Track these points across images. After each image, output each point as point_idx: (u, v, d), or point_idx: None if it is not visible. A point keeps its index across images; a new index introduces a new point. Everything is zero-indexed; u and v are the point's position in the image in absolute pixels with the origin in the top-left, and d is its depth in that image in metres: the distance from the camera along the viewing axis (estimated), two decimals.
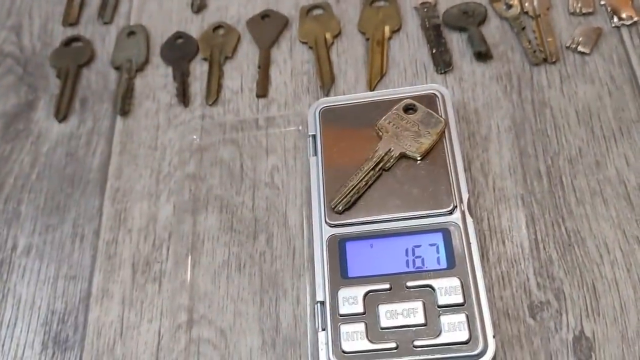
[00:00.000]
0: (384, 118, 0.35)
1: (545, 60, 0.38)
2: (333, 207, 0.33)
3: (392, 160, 0.33)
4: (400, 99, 0.35)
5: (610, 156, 0.35)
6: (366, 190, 0.33)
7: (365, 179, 0.33)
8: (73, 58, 0.44)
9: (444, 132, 0.34)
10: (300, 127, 0.38)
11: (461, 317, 0.29)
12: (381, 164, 0.33)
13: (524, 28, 0.39)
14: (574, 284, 0.31)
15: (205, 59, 0.43)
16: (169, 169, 0.39)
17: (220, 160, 0.38)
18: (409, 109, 0.35)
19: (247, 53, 0.42)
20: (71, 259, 0.37)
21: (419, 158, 0.33)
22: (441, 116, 0.34)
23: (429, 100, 0.36)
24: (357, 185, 0.33)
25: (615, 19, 0.39)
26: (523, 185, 0.35)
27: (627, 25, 0.39)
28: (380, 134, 0.34)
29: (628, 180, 0.34)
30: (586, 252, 0.32)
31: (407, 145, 0.34)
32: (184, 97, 0.41)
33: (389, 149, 0.34)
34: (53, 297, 0.36)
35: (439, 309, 0.30)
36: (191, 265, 0.35)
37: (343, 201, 0.33)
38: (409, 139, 0.34)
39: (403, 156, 0.34)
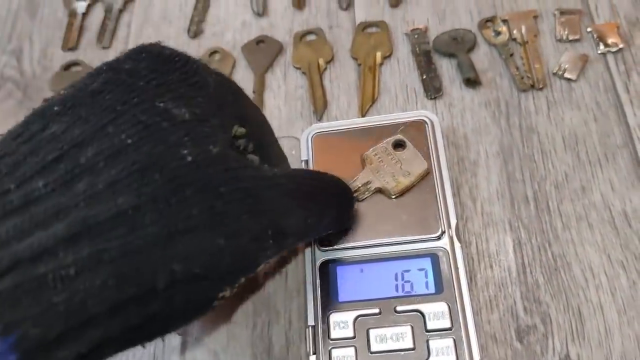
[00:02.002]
0: (372, 149, 0.35)
1: (532, 86, 0.39)
2: None
3: (367, 193, 0.34)
4: (391, 128, 0.36)
5: (595, 181, 0.35)
6: None
7: None
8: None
9: (425, 175, 0.34)
10: (293, 152, 0.39)
11: (449, 342, 0.30)
12: (356, 194, 0.34)
13: (512, 54, 0.40)
14: (559, 308, 0.32)
15: None
16: None
17: None
18: (398, 145, 0.36)
19: (243, 78, 0.43)
20: None
21: (393, 197, 0.34)
22: (426, 159, 0.35)
23: (418, 127, 0.37)
24: None
25: (602, 46, 0.40)
26: (510, 210, 0.35)
27: (613, 52, 0.40)
28: (364, 164, 0.35)
29: (613, 206, 0.35)
30: (572, 276, 0.33)
31: (385, 181, 0.34)
32: None
33: (367, 181, 0.34)
34: None
35: (427, 333, 0.30)
36: None
37: None
38: (389, 175, 0.34)
39: (379, 191, 0.34)
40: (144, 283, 0.21)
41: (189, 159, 0.23)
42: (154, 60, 0.26)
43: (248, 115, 0.29)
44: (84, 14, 0.48)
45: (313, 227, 0.28)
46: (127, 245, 0.21)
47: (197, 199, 0.22)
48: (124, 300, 0.21)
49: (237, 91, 0.29)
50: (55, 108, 0.23)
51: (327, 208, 0.29)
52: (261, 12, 0.46)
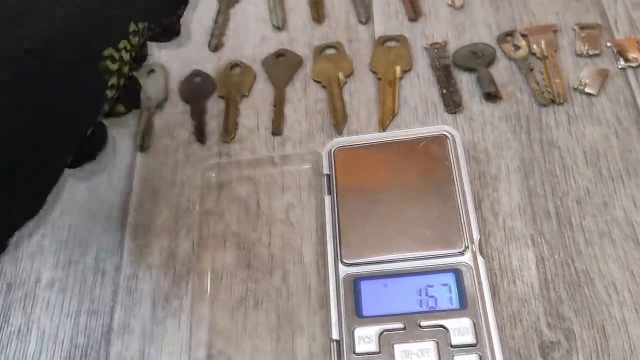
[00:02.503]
0: None
1: (553, 101, 0.39)
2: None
3: None
4: (413, 142, 0.37)
5: (617, 197, 0.36)
6: None
7: None
8: None
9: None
10: (314, 165, 0.40)
11: (474, 358, 0.30)
12: None
13: (532, 69, 0.41)
14: (583, 325, 0.32)
15: (222, 97, 0.44)
16: (187, 205, 0.40)
17: (237, 197, 0.39)
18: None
19: (263, 91, 0.44)
20: (93, 294, 0.38)
21: None
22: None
23: (440, 142, 0.37)
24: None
25: (622, 61, 0.40)
26: (533, 225, 0.35)
27: (633, 67, 0.40)
28: None
29: (636, 222, 0.35)
30: (595, 292, 0.33)
31: None
32: (201, 134, 0.42)
33: None
34: (76, 331, 0.37)
35: (452, 349, 0.31)
36: (210, 301, 0.36)
37: None
38: None
39: None
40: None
41: None
42: None
43: None
44: None
45: None
46: None
47: None
48: None
49: None
50: None
51: None
52: (281, 26, 0.46)
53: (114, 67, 0.26)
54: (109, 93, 0.26)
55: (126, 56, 0.27)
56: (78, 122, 0.26)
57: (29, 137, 0.23)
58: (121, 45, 0.27)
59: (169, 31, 0.34)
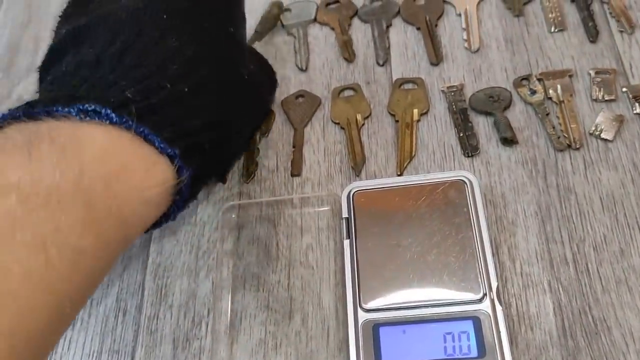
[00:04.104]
0: None
1: (569, 146, 0.40)
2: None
3: None
4: (431, 187, 0.37)
5: (634, 244, 0.36)
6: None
7: None
8: None
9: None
10: (332, 207, 0.40)
11: None
12: None
13: (548, 114, 0.41)
14: None
15: None
16: (207, 245, 0.41)
17: (257, 238, 0.40)
18: None
19: (282, 132, 0.45)
20: (115, 333, 0.38)
21: None
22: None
23: (458, 187, 0.37)
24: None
25: (637, 106, 0.40)
26: (550, 271, 0.36)
27: None
28: None
29: None
30: (612, 340, 0.33)
31: None
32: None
33: None
34: None
35: None
36: (229, 342, 0.37)
37: None
38: None
39: None
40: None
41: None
42: None
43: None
44: None
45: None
46: None
47: None
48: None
49: None
50: None
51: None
52: (305, 67, 0.47)
53: None
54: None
55: None
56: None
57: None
58: None
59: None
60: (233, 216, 0.41)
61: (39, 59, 0.37)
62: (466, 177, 0.38)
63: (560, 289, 0.35)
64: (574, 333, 0.34)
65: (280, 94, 0.47)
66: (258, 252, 0.40)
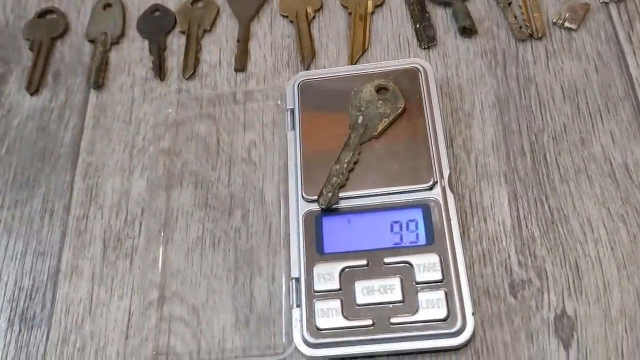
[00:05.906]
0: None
1: (531, 36, 0.37)
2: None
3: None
4: (382, 75, 0.35)
5: (595, 133, 0.34)
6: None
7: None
8: (47, 30, 0.43)
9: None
10: (279, 102, 0.37)
11: (439, 294, 0.28)
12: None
13: (510, 3, 0.38)
14: (556, 262, 0.31)
15: (182, 33, 0.41)
16: (143, 143, 0.37)
17: (196, 135, 0.37)
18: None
19: (226, 27, 0.41)
20: (40, 235, 0.35)
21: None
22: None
23: (411, 75, 0.35)
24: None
25: None
26: (506, 162, 0.34)
27: (615, 2, 0.38)
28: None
29: (613, 158, 0.33)
30: (569, 230, 0.31)
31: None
32: (160, 70, 0.40)
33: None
34: (21, 273, 0.34)
35: (417, 285, 0.29)
36: (164, 241, 0.34)
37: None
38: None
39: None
40: None
41: None
42: None
43: None
44: None
45: None
46: None
47: None
48: None
49: None
50: None
51: None
52: None
53: None
54: None
55: None
56: None
57: None
58: None
59: None
60: (171, 112, 0.38)
61: None
62: (420, 65, 0.35)
63: (517, 179, 0.33)
64: (529, 223, 0.32)
65: None
66: (197, 149, 0.37)
